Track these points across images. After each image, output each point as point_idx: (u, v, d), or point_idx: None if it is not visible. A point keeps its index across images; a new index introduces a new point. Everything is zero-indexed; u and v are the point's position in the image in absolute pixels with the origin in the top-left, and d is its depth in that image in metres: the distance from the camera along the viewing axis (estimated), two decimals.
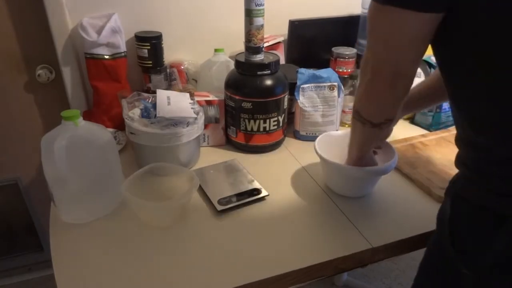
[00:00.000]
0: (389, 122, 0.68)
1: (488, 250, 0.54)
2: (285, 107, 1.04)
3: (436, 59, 0.60)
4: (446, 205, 0.62)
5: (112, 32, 1.09)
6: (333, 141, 0.91)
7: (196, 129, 0.92)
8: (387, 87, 0.60)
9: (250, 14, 0.93)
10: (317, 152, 0.85)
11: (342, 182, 0.87)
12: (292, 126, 1.13)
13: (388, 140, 0.89)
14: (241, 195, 0.85)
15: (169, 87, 1.18)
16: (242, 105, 0.99)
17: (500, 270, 0.54)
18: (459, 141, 0.62)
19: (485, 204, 0.55)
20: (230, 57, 1.18)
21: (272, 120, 1.01)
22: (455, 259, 0.59)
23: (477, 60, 0.51)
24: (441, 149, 1.03)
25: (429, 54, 1.34)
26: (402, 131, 1.13)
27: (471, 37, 0.50)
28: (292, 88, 1.07)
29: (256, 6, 0.92)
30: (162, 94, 0.95)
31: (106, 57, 1.10)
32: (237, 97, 0.99)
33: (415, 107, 0.91)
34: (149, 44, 1.13)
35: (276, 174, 0.95)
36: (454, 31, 0.52)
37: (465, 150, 0.60)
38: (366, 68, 0.61)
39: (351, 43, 1.31)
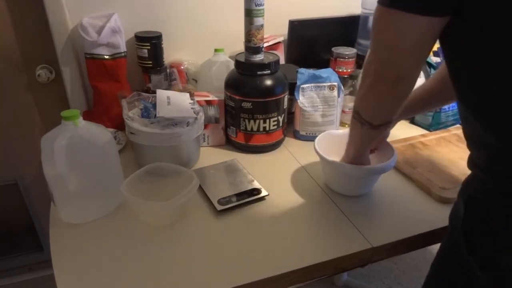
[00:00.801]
0: (388, 124, 0.68)
1: (505, 253, 0.54)
2: (285, 107, 1.04)
3: (445, 59, 0.60)
4: (459, 208, 0.61)
5: (112, 32, 1.09)
6: (333, 140, 0.92)
7: (196, 129, 0.92)
8: (389, 90, 0.60)
9: (250, 14, 0.93)
10: (316, 151, 0.85)
11: (341, 181, 0.87)
12: (292, 126, 1.13)
13: (388, 140, 0.90)
14: (241, 195, 0.85)
15: (169, 87, 1.18)
16: (242, 105, 0.99)
17: None
18: (469, 142, 0.61)
19: (500, 207, 0.54)
20: (230, 57, 1.18)
21: (272, 120, 1.01)
22: (470, 262, 0.58)
23: (487, 61, 0.51)
24: (441, 149, 1.03)
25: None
26: (402, 131, 1.13)
27: (480, 40, 0.50)
28: (292, 88, 1.07)
29: (256, 6, 0.92)
30: (162, 94, 0.95)
31: (106, 57, 1.10)
32: (237, 97, 0.99)
33: (416, 110, 0.90)
34: (149, 44, 1.13)
35: (276, 174, 0.95)
36: (462, 34, 0.52)
37: (477, 151, 0.60)
38: (368, 70, 0.61)
39: (351, 43, 1.31)
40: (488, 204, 0.56)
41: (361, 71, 0.67)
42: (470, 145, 0.61)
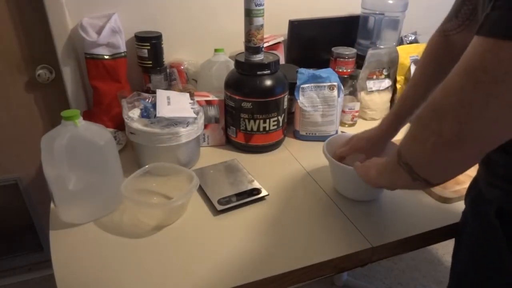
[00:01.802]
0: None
1: None
2: (285, 107, 1.04)
3: None
4: (490, 220, 0.58)
5: (112, 32, 1.09)
6: (342, 143, 0.89)
7: (196, 129, 0.92)
8: (472, 159, 0.48)
9: (250, 14, 0.93)
10: (325, 155, 0.84)
11: (351, 186, 0.85)
12: (292, 126, 1.13)
13: None
14: (241, 195, 0.85)
15: (169, 87, 1.18)
16: (242, 105, 0.99)
17: None
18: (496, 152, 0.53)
19: None
20: (230, 57, 1.18)
21: (272, 120, 1.01)
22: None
23: None
24: None
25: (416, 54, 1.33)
26: (402, 131, 1.12)
27: None
28: (292, 88, 1.07)
29: (256, 6, 0.92)
30: (162, 94, 0.95)
31: (106, 57, 1.10)
32: (237, 97, 0.99)
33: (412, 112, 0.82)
34: (149, 44, 1.13)
35: (276, 174, 0.95)
36: None
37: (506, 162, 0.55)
38: (440, 126, 0.45)
39: (351, 43, 1.31)
40: None
41: (421, 117, 0.50)
42: (494, 156, 0.56)
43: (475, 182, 0.68)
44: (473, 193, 0.68)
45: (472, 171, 0.67)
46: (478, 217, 0.66)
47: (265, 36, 1.00)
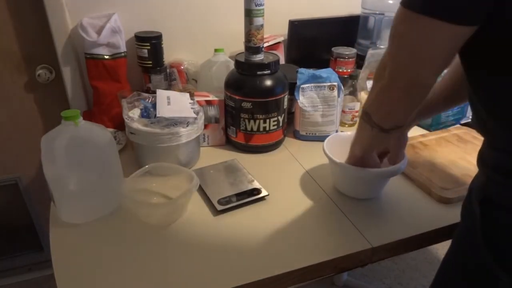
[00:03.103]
0: (399, 129, 0.67)
1: None
2: (285, 107, 1.04)
3: (465, 68, 0.58)
4: (474, 212, 0.60)
5: (112, 32, 1.09)
6: (341, 142, 0.89)
7: (196, 129, 0.92)
8: (403, 95, 0.59)
9: (250, 14, 0.93)
10: (326, 153, 0.84)
11: (351, 183, 0.86)
12: (292, 126, 1.13)
13: None
14: (241, 195, 0.85)
15: (169, 87, 1.19)
16: (242, 105, 0.99)
17: None
18: (487, 144, 0.60)
19: None
20: (230, 57, 1.18)
21: (272, 120, 1.01)
22: (493, 265, 0.57)
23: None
24: (441, 149, 1.03)
25: None
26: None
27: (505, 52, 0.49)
28: (292, 88, 1.07)
29: (256, 6, 0.92)
30: (162, 94, 0.95)
31: (106, 57, 1.10)
32: (237, 97, 0.99)
33: (431, 112, 0.86)
34: (149, 44, 1.13)
35: (276, 174, 0.95)
36: (490, 44, 0.51)
37: (493, 153, 0.59)
38: (382, 73, 0.60)
39: (351, 43, 1.31)
40: (510, 208, 0.55)
41: (374, 72, 0.66)
42: (487, 148, 0.60)
43: (471, 183, 0.68)
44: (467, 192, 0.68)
45: (473, 172, 0.68)
46: (465, 215, 0.67)
47: (265, 36, 1.00)
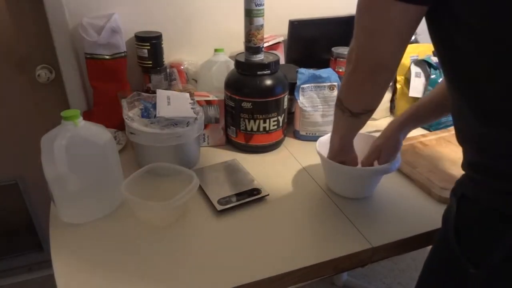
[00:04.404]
0: (368, 113, 0.69)
1: (496, 249, 0.54)
2: (285, 107, 1.04)
3: (432, 40, 0.60)
4: (452, 206, 0.62)
5: (112, 32, 1.09)
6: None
7: (196, 129, 0.92)
8: (368, 78, 0.62)
9: (250, 14, 0.93)
10: (318, 153, 0.85)
11: (343, 182, 0.87)
12: (292, 126, 1.13)
13: None
14: (241, 195, 0.85)
15: (169, 87, 1.18)
16: (242, 105, 0.99)
17: (509, 270, 0.54)
18: (462, 139, 0.62)
19: (492, 205, 0.55)
20: (230, 57, 1.18)
21: (272, 120, 1.01)
22: (462, 259, 0.59)
23: (477, 53, 0.51)
24: (441, 149, 1.03)
25: (429, 54, 1.34)
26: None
27: (470, 29, 0.50)
28: (292, 88, 1.07)
29: (256, 6, 0.92)
30: (162, 94, 0.95)
31: (106, 57, 1.10)
32: (237, 97, 0.99)
33: (428, 117, 0.87)
34: (149, 44, 1.13)
35: (276, 174, 0.95)
36: (449, 24, 0.53)
37: (469, 149, 0.60)
38: (350, 57, 0.62)
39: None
40: (481, 203, 0.57)
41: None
42: (463, 142, 0.62)
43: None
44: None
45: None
46: (444, 216, 0.67)
47: (265, 36, 1.00)
